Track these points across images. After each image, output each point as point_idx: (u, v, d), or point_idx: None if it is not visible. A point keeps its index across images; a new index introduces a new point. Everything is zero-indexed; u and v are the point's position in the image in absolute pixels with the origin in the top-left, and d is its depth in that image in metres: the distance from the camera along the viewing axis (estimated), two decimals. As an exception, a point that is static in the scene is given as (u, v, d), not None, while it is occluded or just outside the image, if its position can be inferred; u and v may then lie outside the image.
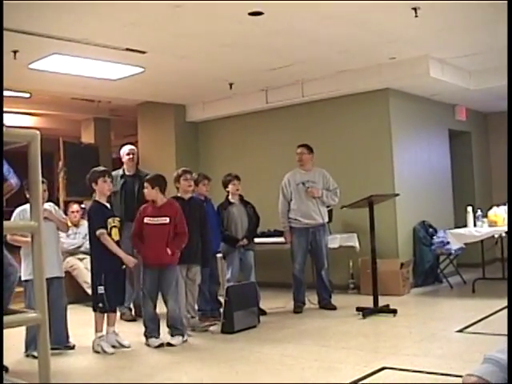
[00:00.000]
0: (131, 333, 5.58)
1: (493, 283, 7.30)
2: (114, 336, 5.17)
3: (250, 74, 7.53)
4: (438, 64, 7.27)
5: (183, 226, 5.30)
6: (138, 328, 5.48)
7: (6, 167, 2.40)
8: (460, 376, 3.58)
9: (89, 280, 5.52)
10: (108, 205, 5.26)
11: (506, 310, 5.43)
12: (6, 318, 1.95)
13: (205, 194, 6.33)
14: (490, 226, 7.05)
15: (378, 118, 7.72)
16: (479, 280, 7.29)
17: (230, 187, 6.41)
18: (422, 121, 8.39)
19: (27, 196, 2.49)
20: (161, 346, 5.14)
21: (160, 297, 5.31)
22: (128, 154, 6.64)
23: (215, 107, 9.02)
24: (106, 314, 5.14)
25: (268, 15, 5.29)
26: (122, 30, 5.54)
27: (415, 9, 5.26)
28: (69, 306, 5.20)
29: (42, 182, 2.83)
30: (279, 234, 7.05)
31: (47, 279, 2.39)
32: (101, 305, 5.05)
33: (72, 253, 7.52)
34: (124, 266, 5.20)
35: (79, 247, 7.57)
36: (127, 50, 6.17)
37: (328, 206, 6.81)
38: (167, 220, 5.22)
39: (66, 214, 6.85)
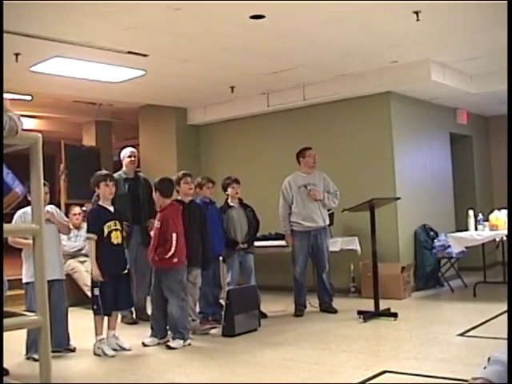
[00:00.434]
0: (132, 336, 5.58)
1: (494, 287, 7.28)
2: (114, 339, 5.17)
3: (251, 78, 7.54)
4: (439, 68, 7.27)
5: (168, 233, 5.24)
6: (139, 331, 5.47)
7: (10, 176, 2.41)
8: (461, 380, 3.59)
9: (89, 283, 5.51)
10: (111, 208, 5.25)
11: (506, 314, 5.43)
12: (6, 321, 1.95)
13: (209, 197, 6.33)
14: (491, 229, 7.04)
15: (380, 121, 7.72)
16: (480, 284, 7.26)
17: (230, 190, 6.41)
18: (423, 124, 8.39)
19: (29, 198, 2.49)
20: (157, 344, 5.23)
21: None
22: (129, 157, 6.64)
23: (216, 110, 9.03)
24: (106, 318, 5.14)
25: (269, 18, 5.30)
26: (123, 33, 5.55)
27: (417, 13, 5.28)
28: (69, 309, 5.18)
29: (44, 185, 2.83)
30: (280, 237, 7.04)
31: (48, 281, 2.39)
32: (95, 307, 5.06)
33: (73, 255, 7.51)
34: (126, 271, 5.21)
35: (80, 250, 7.55)
36: (129, 52, 6.18)
37: (329, 209, 6.81)
38: (159, 225, 5.30)
39: (67, 216, 6.85)
